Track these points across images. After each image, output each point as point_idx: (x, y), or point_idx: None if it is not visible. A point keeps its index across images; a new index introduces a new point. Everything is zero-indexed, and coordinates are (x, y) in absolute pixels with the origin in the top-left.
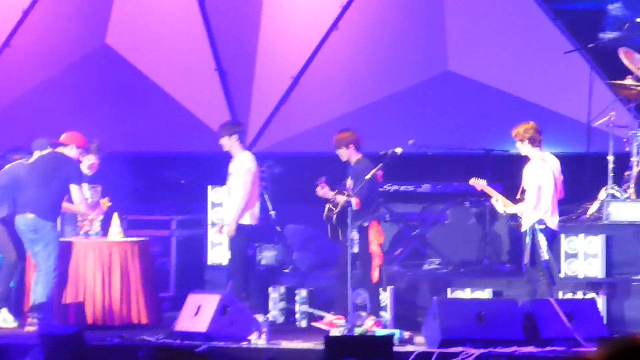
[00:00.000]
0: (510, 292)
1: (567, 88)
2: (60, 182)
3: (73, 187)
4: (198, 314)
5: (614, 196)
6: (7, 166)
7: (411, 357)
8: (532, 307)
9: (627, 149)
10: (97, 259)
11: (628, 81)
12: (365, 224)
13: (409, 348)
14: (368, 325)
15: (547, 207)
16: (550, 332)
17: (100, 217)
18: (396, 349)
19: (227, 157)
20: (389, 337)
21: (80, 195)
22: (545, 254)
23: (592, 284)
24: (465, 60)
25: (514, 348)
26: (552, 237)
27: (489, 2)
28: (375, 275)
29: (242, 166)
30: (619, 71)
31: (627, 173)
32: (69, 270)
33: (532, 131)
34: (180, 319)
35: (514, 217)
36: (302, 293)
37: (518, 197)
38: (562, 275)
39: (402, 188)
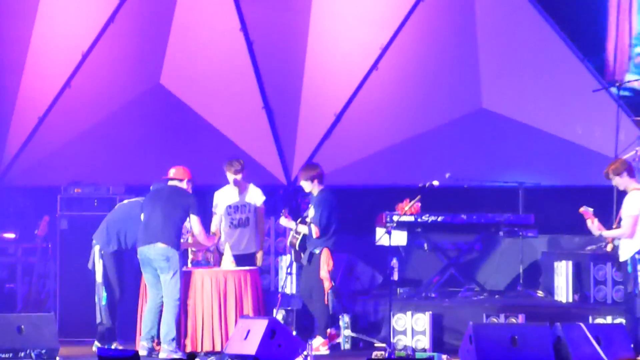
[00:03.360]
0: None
1: (595, 124)
2: (182, 214)
3: (194, 218)
4: (247, 337)
5: None
6: (119, 204)
7: None
8: (563, 331)
9: None
10: (214, 288)
11: None
12: (317, 251)
13: None
14: (316, 344)
15: None
16: (580, 355)
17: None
18: None
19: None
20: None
21: (201, 226)
22: None
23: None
24: (498, 98)
25: None
26: None
27: (520, 43)
28: (325, 298)
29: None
30: None
31: None
32: (188, 299)
33: (627, 164)
34: (231, 342)
35: (592, 242)
36: (345, 318)
37: (614, 226)
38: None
39: (440, 219)
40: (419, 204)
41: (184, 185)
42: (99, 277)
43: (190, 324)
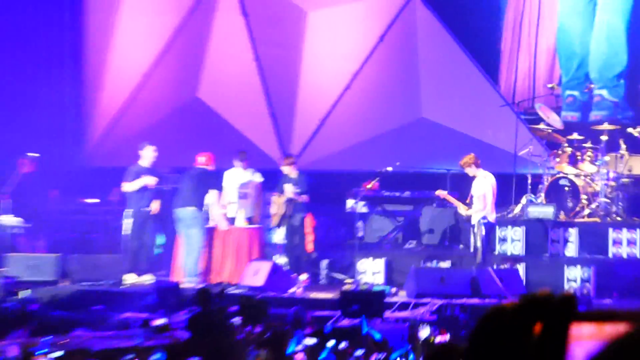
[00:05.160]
0: (464, 264)
1: (501, 129)
2: (207, 188)
3: (213, 192)
4: (257, 274)
5: (531, 201)
6: None
7: (396, 305)
8: (476, 273)
9: (540, 171)
10: (234, 240)
11: (541, 126)
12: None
13: (395, 299)
14: (303, 278)
15: (489, 208)
16: (488, 290)
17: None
18: (387, 299)
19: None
20: (382, 291)
21: (217, 197)
22: (482, 241)
23: (516, 259)
24: (435, 110)
25: (463, 300)
26: (492, 228)
27: (454, 75)
28: (310, 247)
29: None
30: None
31: (540, 186)
32: (214, 248)
33: (474, 158)
34: (245, 277)
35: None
36: (324, 263)
37: (468, 201)
38: (496, 252)
39: (392, 194)
40: (378, 183)
41: (209, 167)
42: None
43: (216, 264)
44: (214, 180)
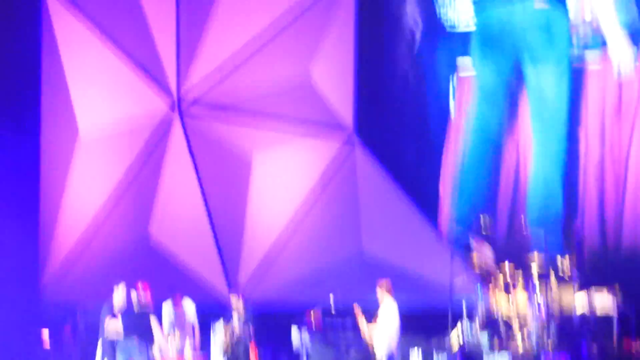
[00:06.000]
0: None
1: (438, 261)
2: (148, 320)
3: (155, 326)
4: None
5: (466, 329)
6: None
7: None
8: None
9: (474, 299)
10: None
11: (475, 256)
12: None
13: None
14: None
15: (394, 335)
16: None
17: None
18: None
19: None
20: None
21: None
22: None
23: None
24: (374, 242)
25: None
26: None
27: (392, 202)
28: None
29: None
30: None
31: (474, 314)
32: None
33: (388, 284)
34: None
35: None
36: None
37: (373, 321)
38: None
39: (334, 322)
40: (321, 312)
41: (147, 299)
42: None
43: None
44: (153, 312)
